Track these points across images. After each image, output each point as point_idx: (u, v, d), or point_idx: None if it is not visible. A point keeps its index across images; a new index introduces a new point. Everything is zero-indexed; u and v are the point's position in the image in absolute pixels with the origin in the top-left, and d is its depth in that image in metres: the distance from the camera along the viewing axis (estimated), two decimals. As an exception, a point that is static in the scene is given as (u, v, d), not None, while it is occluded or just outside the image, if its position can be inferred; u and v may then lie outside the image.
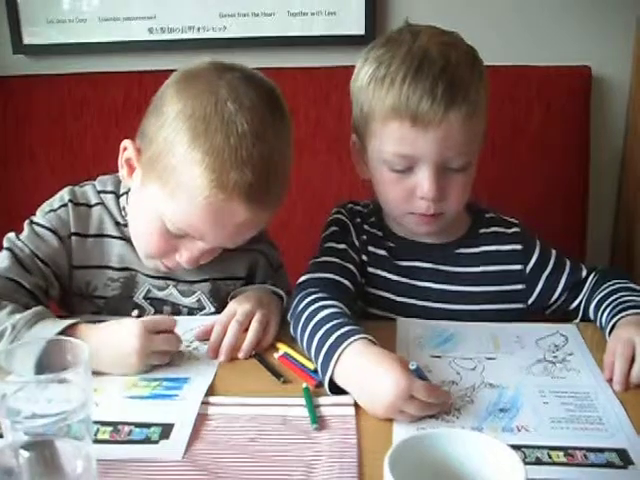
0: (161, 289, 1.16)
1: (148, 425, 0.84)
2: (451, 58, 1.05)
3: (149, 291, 1.16)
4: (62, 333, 0.92)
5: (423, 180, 1.06)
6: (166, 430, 0.83)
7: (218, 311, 1.14)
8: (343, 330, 0.92)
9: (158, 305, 1.17)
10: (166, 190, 1.01)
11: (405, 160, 1.07)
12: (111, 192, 1.16)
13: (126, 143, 1.07)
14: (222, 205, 0.99)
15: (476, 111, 1.05)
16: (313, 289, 1.05)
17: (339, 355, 0.88)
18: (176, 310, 1.17)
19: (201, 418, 0.85)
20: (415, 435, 0.64)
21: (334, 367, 0.88)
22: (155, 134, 1.02)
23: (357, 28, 1.73)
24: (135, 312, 1.03)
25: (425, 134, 1.03)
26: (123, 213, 1.14)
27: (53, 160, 1.73)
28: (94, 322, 0.99)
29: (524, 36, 1.72)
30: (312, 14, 1.74)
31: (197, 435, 0.82)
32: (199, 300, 1.17)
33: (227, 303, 1.10)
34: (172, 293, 1.16)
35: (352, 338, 0.90)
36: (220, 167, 0.97)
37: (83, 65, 1.75)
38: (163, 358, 0.97)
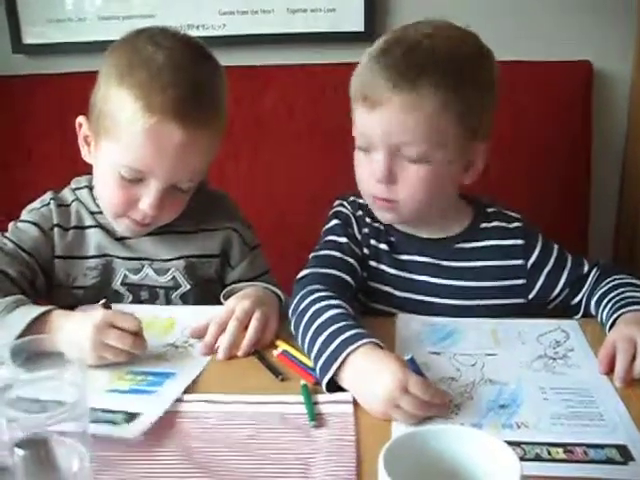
0: (137, 271, 1.19)
1: (114, 412, 0.84)
2: (437, 49, 1.04)
3: (126, 277, 1.19)
4: (38, 319, 0.97)
5: (376, 161, 1.07)
6: (131, 417, 0.84)
7: (193, 289, 1.20)
8: (349, 333, 0.91)
9: (135, 291, 1.20)
10: (111, 138, 1.07)
11: (365, 141, 1.08)
12: (85, 187, 1.22)
13: (80, 119, 1.14)
14: (157, 129, 1.04)
15: (436, 106, 1.02)
16: (315, 286, 1.04)
17: (344, 358, 0.88)
18: (153, 293, 1.21)
19: (198, 415, 0.85)
20: (411, 432, 0.63)
21: (336, 369, 0.88)
22: (94, 98, 1.11)
23: (357, 25, 1.72)
24: (102, 300, 1.03)
25: (372, 113, 1.05)
26: (97, 202, 1.19)
27: (52, 160, 1.74)
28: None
29: (524, 31, 1.71)
30: (312, 11, 1.74)
31: (194, 433, 0.82)
32: (174, 278, 1.20)
33: (203, 282, 1.18)
34: (147, 274, 1.20)
35: (359, 342, 0.89)
36: (146, 94, 1.04)
37: (83, 64, 1.75)
38: (117, 355, 0.96)
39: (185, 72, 1.06)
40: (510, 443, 0.62)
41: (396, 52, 1.04)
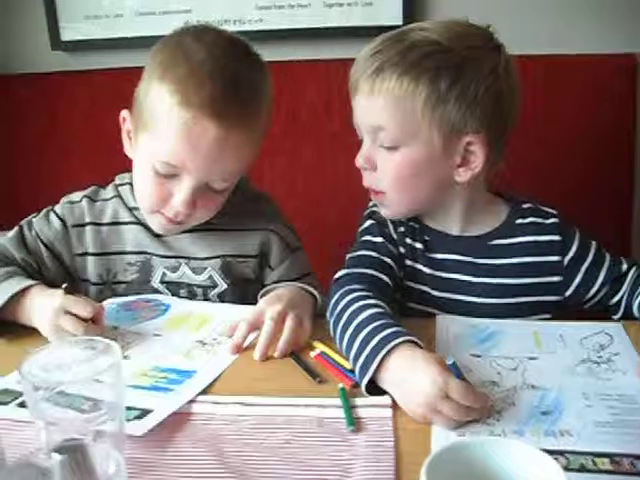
0: (174, 269, 1.20)
1: (129, 408, 0.84)
2: (417, 41, 1.04)
3: (164, 275, 1.21)
4: (20, 293, 1.05)
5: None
6: (142, 414, 0.84)
7: (230, 288, 1.20)
8: (387, 332, 0.90)
9: (174, 289, 1.21)
10: (149, 132, 1.08)
11: (358, 128, 1.12)
12: (127, 183, 1.23)
13: (124, 113, 1.15)
14: (192, 124, 1.03)
15: (401, 93, 1.04)
16: (353, 286, 1.03)
17: (382, 357, 0.86)
18: (191, 292, 1.21)
19: (235, 419, 0.84)
20: (453, 444, 0.62)
21: (375, 369, 0.86)
22: (138, 92, 1.11)
23: (394, 19, 1.70)
24: (64, 285, 1.05)
25: (353, 101, 1.10)
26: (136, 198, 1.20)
27: (89, 156, 1.75)
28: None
29: (567, 24, 1.67)
30: (348, 5, 1.73)
31: (229, 436, 0.81)
32: (210, 277, 1.20)
33: (241, 281, 1.19)
34: (185, 272, 1.20)
35: (397, 340, 0.88)
36: (184, 89, 1.03)
37: (120, 60, 1.76)
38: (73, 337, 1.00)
39: (225, 69, 1.05)
40: (553, 452, 0.61)
41: (376, 42, 1.08)
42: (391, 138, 1.07)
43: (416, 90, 1.03)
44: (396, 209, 1.14)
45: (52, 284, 1.15)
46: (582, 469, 0.73)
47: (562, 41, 1.65)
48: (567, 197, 1.51)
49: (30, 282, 1.08)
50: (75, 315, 1.00)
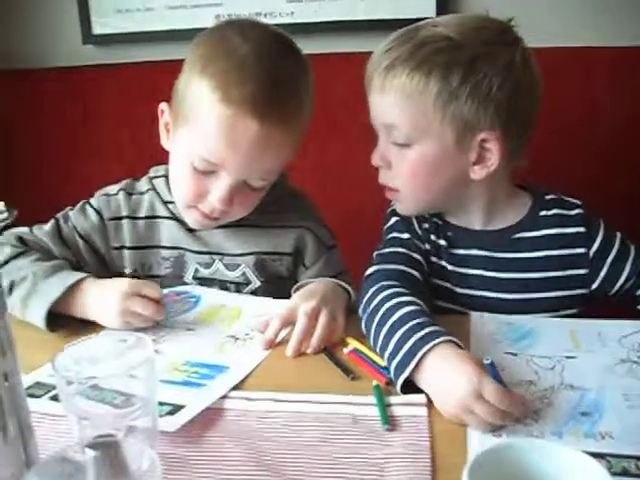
0: (208, 266, 1.20)
1: (162, 403, 0.83)
2: (428, 37, 1.03)
3: (197, 271, 1.20)
4: (73, 286, 1.03)
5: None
6: (175, 410, 0.83)
7: (264, 285, 1.20)
8: (425, 331, 0.88)
9: (207, 285, 1.20)
10: (189, 127, 1.07)
11: (374, 124, 1.11)
12: (162, 176, 1.22)
13: (162, 106, 1.13)
14: (232, 122, 1.02)
15: (412, 90, 1.03)
16: (386, 282, 1.02)
17: (421, 357, 0.85)
18: (224, 288, 1.20)
19: (266, 415, 0.83)
20: (494, 446, 0.60)
21: (412, 369, 0.85)
22: (178, 85, 1.10)
23: (427, 11, 1.68)
24: (127, 270, 1.05)
25: (369, 98, 1.10)
26: (171, 192, 1.20)
27: (121, 148, 1.75)
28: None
29: (600, 16, 1.64)
30: (382, -3, 1.71)
31: (262, 432, 0.80)
32: (244, 274, 1.20)
33: (275, 279, 1.18)
34: (218, 268, 1.20)
35: (436, 340, 0.86)
36: (225, 85, 1.01)
37: (151, 54, 1.76)
38: (141, 321, 1.02)
39: (268, 67, 1.03)
40: (594, 455, 0.58)
41: (389, 39, 1.06)
42: (403, 135, 1.06)
43: (427, 86, 1.02)
44: (410, 206, 1.14)
45: None
46: (625, 473, 0.71)
47: (594, 34, 1.62)
48: (589, 187, 1.49)
49: (83, 274, 1.06)
50: (144, 297, 1.02)
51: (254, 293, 1.20)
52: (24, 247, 1.12)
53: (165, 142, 1.15)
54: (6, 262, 1.09)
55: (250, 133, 1.02)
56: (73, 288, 1.04)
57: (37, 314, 1.02)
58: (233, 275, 1.20)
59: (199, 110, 1.04)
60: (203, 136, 1.05)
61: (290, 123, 1.06)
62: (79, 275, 1.06)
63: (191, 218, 1.16)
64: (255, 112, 1.01)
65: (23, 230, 1.17)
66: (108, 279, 1.07)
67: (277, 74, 1.04)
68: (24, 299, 1.04)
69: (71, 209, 1.20)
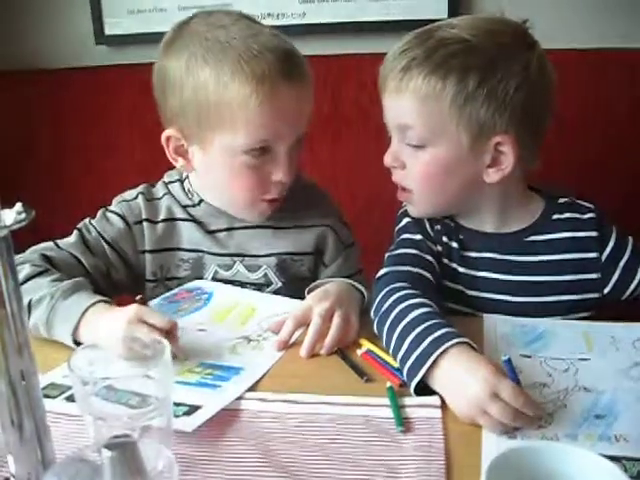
0: (228, 268, 1.20)
1: (177, 404, 0.83)
2: (443, 39, 1.03)
3: (216, 272, 1.20)
4: (89, 308, 0.99)
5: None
6: (191, 410, 0.83)
7: (285, 287, 1.20)
8: (439, 333, 0.88)
9: None
10: (226, 128, 1.07)
11: (388, 125, 1.12)
12: (176, 180, 1.23)
13: (167, 133, 1.12)
14: (272, 94, 1.05)
15: (427, 92, 1.03)
16: (398, 284, 1.02)
17: (435, 359, 0.85)
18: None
19: (279, 416, 0.83)
20: (512, 449, 0.60)
21: (426, 371, 0.85)
22: (182, 101, 1.09)
23: (439, 12, 1.67)
24: (138, 296, 1.03)
25: (383, 100, 1.10)
26: (189, 195, 1.21)
27: (134, 149, 1.75)
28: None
29: (618, 18, 1.63)
30: (392, -2, 1.70)
31: (275, 433, 0.80)
32: (265, 275, 1.20)
33: (296, 280, 1.17)
34: (239, 270, 1.20)
35: (450, 342, 0.86)
36: (246, 68, 1.04)
37: (163, 54, 1.76)
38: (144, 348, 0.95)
39: (269, 37, 1.07)
40: (609, 458, 0.58)
41: (404, 40, 1.07)
42: (418, 137, 1.06)
43: (443, 89, 1.02)
44: (423, 208, 1.14)
45: (121, 286, 1.18)
46: (640, 476, 0.71)
47: (611, 36, 1.61)
48: (610, 191, 1.48)
49: (95, 298, 1.01)
50: (151, 326, 0.96)
51: (275, 294, 1.19)
52: (45, 266, 1.09)
53: (187, 166, 1.15)
54: (25, 281, 1.05)
55: (289, 95, 1.06)
56: (88, 310, 1.00)
57: (63, 337, 0.99)
58: (254, 276, 1.20)
59: (234, 104, 1.05)
60: (251, 124, 1.06)
61: (304, 68, 1.10)
62: (92, 299, 1.01)
63: (256, 213, 1.17)
64: (285, 76, 1.05)
65: (47, 246, 1.14)
66: (116, 307, 1.01)
67: (272, 41, 1.07)
68: (46, 320, 1.00)
69: (90, 220, 1.19)
